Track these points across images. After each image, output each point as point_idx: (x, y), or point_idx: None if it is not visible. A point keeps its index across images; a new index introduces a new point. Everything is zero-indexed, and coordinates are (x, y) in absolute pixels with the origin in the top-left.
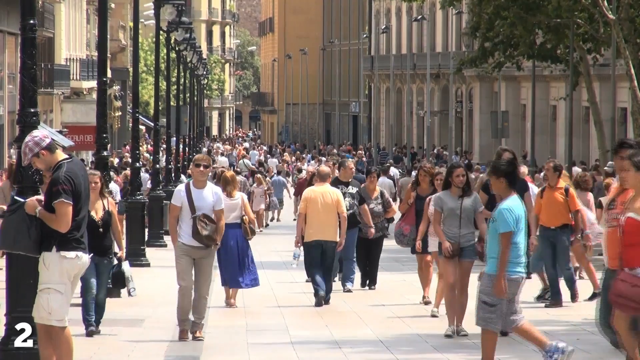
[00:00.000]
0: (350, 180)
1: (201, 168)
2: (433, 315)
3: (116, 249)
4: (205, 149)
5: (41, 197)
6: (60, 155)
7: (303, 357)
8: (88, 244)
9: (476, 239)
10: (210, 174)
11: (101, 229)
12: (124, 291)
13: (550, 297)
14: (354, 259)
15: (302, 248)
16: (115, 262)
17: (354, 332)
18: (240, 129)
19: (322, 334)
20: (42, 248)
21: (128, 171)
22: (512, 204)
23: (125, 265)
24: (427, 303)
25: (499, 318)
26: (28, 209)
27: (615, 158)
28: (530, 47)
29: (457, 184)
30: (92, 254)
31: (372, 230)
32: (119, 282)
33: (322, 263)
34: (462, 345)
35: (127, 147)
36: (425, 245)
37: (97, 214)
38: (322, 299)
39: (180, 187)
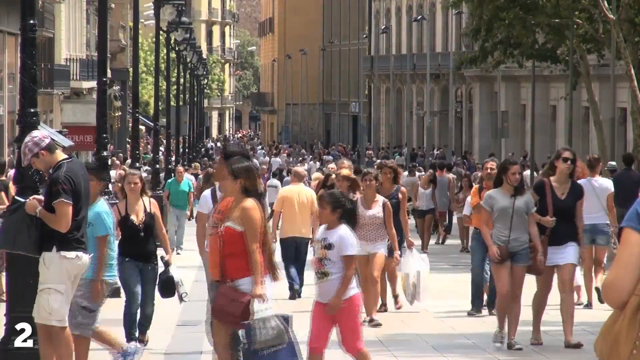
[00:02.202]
0: None
1: None
2: (374, 324)
3: (162, 252)
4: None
5: (41, 197)
6: (60, 155)
7: (303, 357)
8: (130, 250)
9: (527, 244)
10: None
11: (142, 233)
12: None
13: (471, 301)
14: None
15: (277, 244)
16: (162, 267)
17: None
18: (241, 130)
19: None
20: (43, 248)
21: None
22: (106, 207)
23: (174, 271)
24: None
25: (93, 323)
26: (28, 208)
27: (218, 165)
28: (530, 47)
29: (512, 182)
30: (129, 259)
31: None
32: (168, 289)
33: (296, 258)
34: (462, 345)
35: (112, 147)
36: None
37: (137, 216)
38: (296, 293)
39: (207, 193)
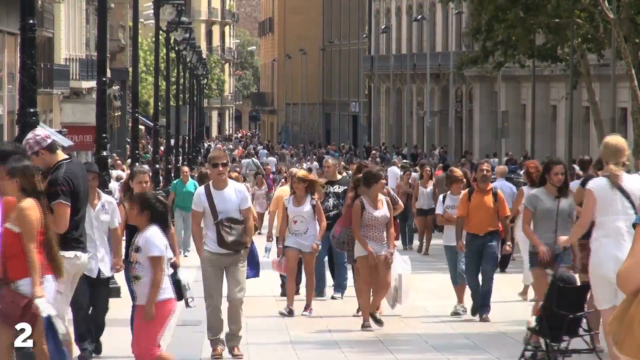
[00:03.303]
0: (337, 179)
1: (219, 168)
2: (368, 326)
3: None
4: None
5: None
6: (61, 155)
7: (303, 357)
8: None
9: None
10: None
11: None
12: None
13: (473, 308)
14: (346, 264)
15: (273, 243)
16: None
17: (353, 332)
18: (242, 130)
19: (322, 334)
20: None
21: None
22: None
23: (181, 273)
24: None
25: None
26: None
27: None
28: (530, 47)
29: (555, 183)
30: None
31: None
32: (175, 292)
33: None
34: (462, 345)
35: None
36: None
37: None
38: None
39: (200, 190)
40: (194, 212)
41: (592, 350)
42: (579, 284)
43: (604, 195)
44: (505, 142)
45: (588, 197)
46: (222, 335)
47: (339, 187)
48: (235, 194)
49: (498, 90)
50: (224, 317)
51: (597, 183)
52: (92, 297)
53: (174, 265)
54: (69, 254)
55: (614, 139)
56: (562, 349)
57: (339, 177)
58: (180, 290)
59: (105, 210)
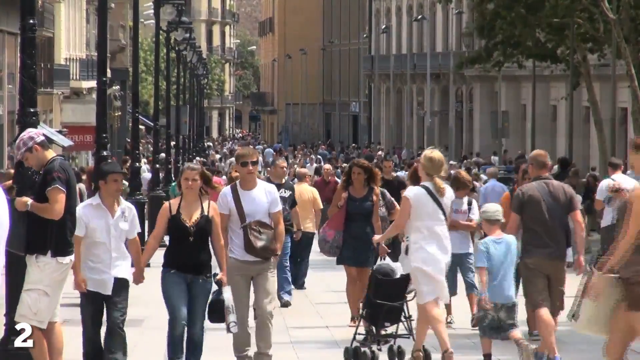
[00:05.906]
0: (282, 181)
1: (249, 167)
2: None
3: (216, 268)
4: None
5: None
6: (52, 153)
7: (303, 357)
8: (176, 258)
9: None
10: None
11: (192, 238)
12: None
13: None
14: (287, 268)
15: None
16: (214, 286)
17: (354, 332)
18: (243, 130)
19: (322, 334)
20: (36, 250)
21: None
22: None
23: (227, 292)
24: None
25: None
26: (18, 206)
27: None
28: (531, 46)
29: None
30: (175, 271)
31: (300, 234)
32: (216, 312)
33: (301, 251)
34: (462, 345)
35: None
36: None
37: (190, 218)
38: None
39: (226, 191)
40: (221, 215)
41: (410, 334)
42: (397, 276)
43: (420, 203)
44: (505, 142)
45: (404, 203)
46: (251, 352)
47: (284, 192)
48: (265, 195)
49: (498, 90)
50: (252, 331)
51: (415, 192)
52: (107, 305)
53: (219, 283)
54: (65, 259)
55: (438, 154)
56: (390, 333)
57: (284, 180)
58: (222, 312)
59: (125, 217)
